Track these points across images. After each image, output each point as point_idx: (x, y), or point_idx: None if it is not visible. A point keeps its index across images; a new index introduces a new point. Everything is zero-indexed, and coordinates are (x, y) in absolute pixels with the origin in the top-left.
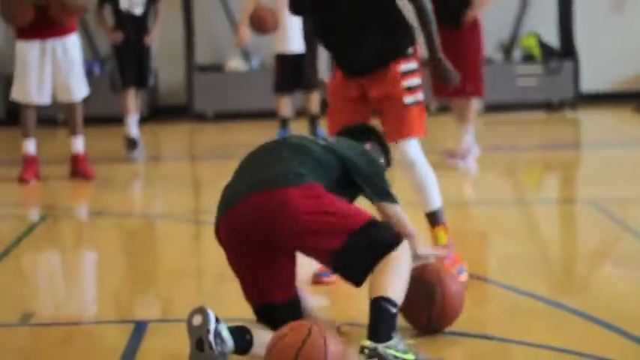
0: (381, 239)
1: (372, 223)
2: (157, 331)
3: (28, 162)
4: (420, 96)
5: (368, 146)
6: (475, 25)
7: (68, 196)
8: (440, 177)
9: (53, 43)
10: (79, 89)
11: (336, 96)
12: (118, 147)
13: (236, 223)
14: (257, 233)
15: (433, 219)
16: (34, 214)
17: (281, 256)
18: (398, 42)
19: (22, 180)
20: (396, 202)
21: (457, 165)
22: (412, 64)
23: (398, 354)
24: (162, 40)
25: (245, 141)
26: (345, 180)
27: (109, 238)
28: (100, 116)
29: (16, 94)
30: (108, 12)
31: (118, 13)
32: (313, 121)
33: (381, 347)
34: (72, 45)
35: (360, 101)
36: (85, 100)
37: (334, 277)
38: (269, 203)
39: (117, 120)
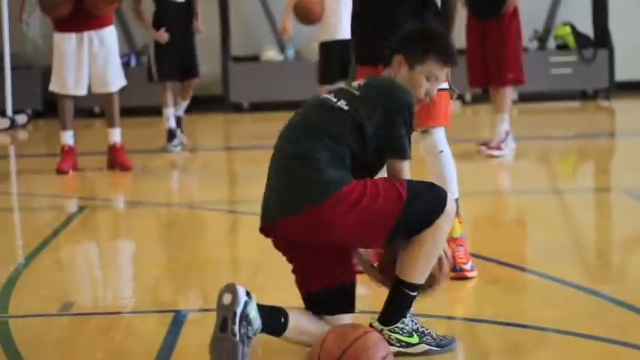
0: (426, 213)
1: (411, 201)
2: (196, 321)
3: (66, 153)
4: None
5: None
6: (515, 14)
7: (106, 187)
8: (474, 166)
9: (90, 35)
10: (116, 80)
11: None
12: (155, 138)
13: (280, 236)
14: (304, 243)
15: None
16: (72, 205)
17: (332, 252)
18: None
19: (60, 171)
20: (408, 158)
21: (492, 154)
22: None
23: (402, 337)
24: None
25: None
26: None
27: (146, 228)
28: (137, 107)
29: (54, 86)
30: (147, 2)
31: (158, 2)
32: None
33: (386, 330)
34: (109, 36)
35: None
36: (122, 91)
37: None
38: (306, 225)
39: (155, 111)
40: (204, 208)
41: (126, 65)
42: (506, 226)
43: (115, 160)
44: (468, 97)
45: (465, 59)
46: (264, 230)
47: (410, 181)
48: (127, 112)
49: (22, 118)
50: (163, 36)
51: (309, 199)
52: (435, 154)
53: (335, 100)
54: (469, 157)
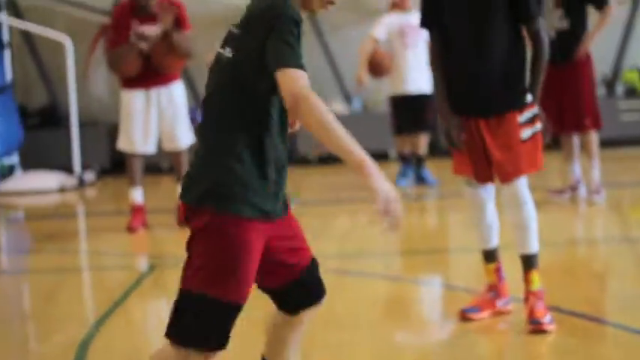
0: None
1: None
2: None
3: (136, 211)
4: (537, 127)
5: None
6: (588, 59)
7: (176, 245)
8: (545, 216)
9: (158, 92)
10: (184, 137)
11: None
12: None
13: None
14: None
15: (529, 262)
16: (142, 264)
17: None
18: (516, 85)
19: (130, 229)
20: (298, 67)
21: (594, 200)
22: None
23: None
24: None
25: (350, 184)
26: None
27: None
28: None
29: (123, 144)
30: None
31: None
32: (419, 162)
33: None
34: (177, 92)
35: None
36: (190, 148)
37: (485, 314)
38: None
39: None
40: None
41: (192, 120)
42: (581, 276)
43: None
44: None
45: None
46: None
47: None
48: None
49: (89, 176)
50: None
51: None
52: (519, 205)
53: (222, 49)
54: (539, 205)
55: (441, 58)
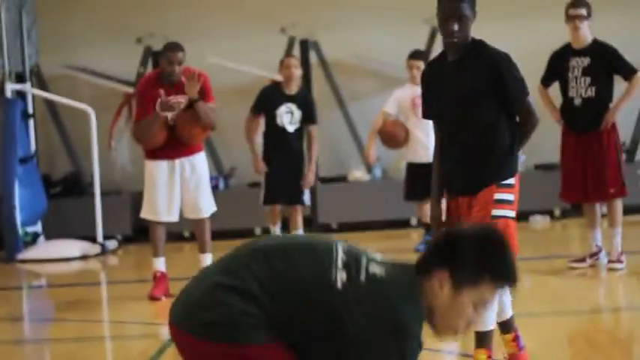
0: None
1: None
2: None
3: (159, 279)
4: (510, 213)
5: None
6: (613, 128)
7: None
8: (566, 283)
9: (181, 162)
10: (207, 206)
11: None
12: None
13: None
14: None
15: (482, 341)
16: (165, 333)
17: None
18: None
19: (152, 298)
20: None
21: (615, 267)
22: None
23: None
24: None
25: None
26: None
27: None
28: (227, 231)
29: (146, 213)
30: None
31: (271, 127)
32: (428, 229)
33: None
34: (199, 163)
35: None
36: (212, 216)
37: None
38: None
39: (244, 234)
40: None
41: (214, 188)
42: (602, 345)
43: None
44: (557, 212)
45: (560, 173)
46: None
47: None
48: (217, 235)
49: (112, 244)
50: (262, 167)
51: None
52: None
53: (335, 267)
54: (560, 273)
55: (441, 148)
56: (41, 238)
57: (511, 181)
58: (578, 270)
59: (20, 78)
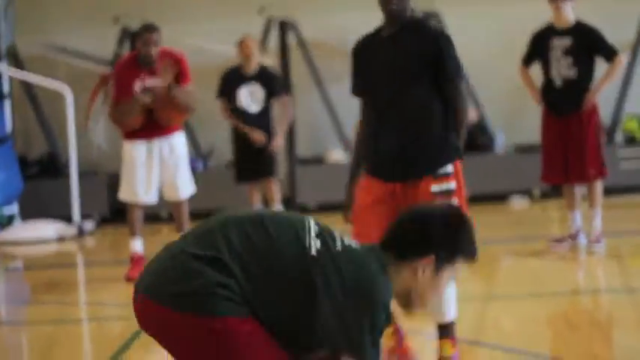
0: None
1: None
2: None
3: (136, 261)
4: (453, 202)
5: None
6: (594, 109)
7: None
8: (545, 264)
9: (160, 143)
10: (185, 187)
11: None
12: None
13: None
14: None
15: (445, 331)
16: None
17: None
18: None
19: (129, 279)
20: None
21: (594, 249)
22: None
23: None
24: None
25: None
26: None
27: None
28: (204, 212)
29: (124, 195)
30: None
31: (234, 111)
32: None
33: None
34: (178, 143)
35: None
36: (191, 198)
37: None
38: None
39: None
40: None
41: (193, 170)
42: (582, 327)
43: None
44: (536, 193)
45: (539, 154)
46: None
47: None
48: (196, 216)
49: (89, 225)
50: (257, 138)
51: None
52: None
53: (309, 236)
54: (539, 254)
55: (366, 127)
56: (17, 220)
57: (448, 168)
58: (557, 251)
59: None
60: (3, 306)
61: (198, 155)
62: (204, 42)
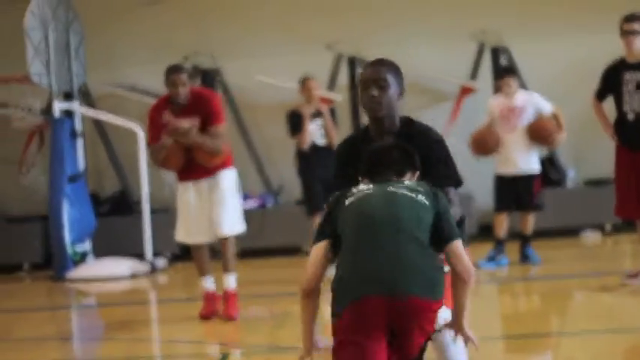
0: None
1: None
2: None
3: (207, 299)
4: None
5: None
6: None
7: (247, 333)
8: (620, 299)
9: (208, 182)
10: (231, 225)
11: None
12: (295, 279)
13: (399, 313)
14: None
15: None
16: (215, 352)
17: None
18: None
19: (202, 317)
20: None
21: (635, 284)
22: None
23: None
24: None
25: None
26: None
27: None
28: (275, 247)
29: (179, 235)
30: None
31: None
32: (525, 240)
33: None
34: (223, 179)
35: None
36: (261, 232)
37: None
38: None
39: (294, 251)
40: None
41: (262, 206)
42: None
43: (224, 307)
44: (608, 227)
45: (612, 188)
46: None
47: None
48: (267, 252)
49: (161, 262)
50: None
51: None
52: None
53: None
54: (613, 289)
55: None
56: (90, 257)
57: None
58: (631, 286)
59: (68, 97)
60: (76, 343)
61: (269, 191)
62: (273, 78)
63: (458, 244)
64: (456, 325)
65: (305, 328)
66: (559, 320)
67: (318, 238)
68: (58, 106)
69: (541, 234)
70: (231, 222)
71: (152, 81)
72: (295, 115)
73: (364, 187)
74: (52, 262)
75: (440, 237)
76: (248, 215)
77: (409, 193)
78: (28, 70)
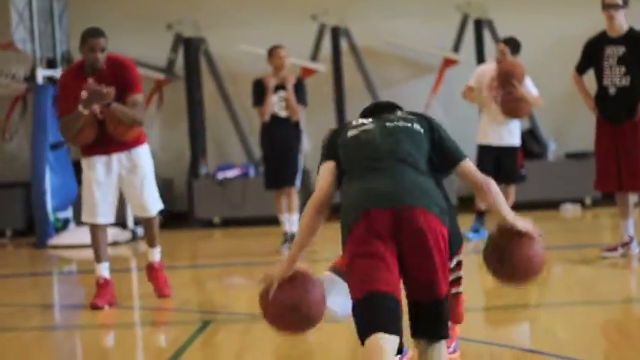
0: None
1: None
2: None
3: (101, 287)
4: (459, 289)
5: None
6: None
7: (227, 299)
8: (598, 272)
9: (119, 157)
10: (153, 204)
11: None
12: (275, 246)
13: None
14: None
15: None
16: (197, 320)
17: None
18: None
19: (94, 307)
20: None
21: (615, 258)
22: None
23: None
24: None
25: None
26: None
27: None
28: (257, 217)
29: (84, 216)
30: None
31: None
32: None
33: None
34: (141, 157)
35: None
36: (243, 202)
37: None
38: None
39: (275, 221)
40: None
41: (245, 175)
42: (635, 335)
43: (155, 287)
44: (588, 200)
45: (592, 162)
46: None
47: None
48: (248, 222)
49: (142, 230)
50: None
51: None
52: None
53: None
54: (591, 262)
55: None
56: (72, 224)
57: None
58: (610, 259)
59: (51, 64)
60: (57, 310)
61: (251, 161)
62: (258, 48)
63: (468, 162)
64: (506, 221)
65: (293, 251)
66: (538, 292)
67: (325, 158)
68: (42, 73)
69: (521, 206)
70: (155, 201)
71: (136, 49)
72: (259, 85)
73: (364, 121)
74: (34, 229)
75: (446, 158)
76: (230, 185)
77: (405, 124)
78: (12, 36)
